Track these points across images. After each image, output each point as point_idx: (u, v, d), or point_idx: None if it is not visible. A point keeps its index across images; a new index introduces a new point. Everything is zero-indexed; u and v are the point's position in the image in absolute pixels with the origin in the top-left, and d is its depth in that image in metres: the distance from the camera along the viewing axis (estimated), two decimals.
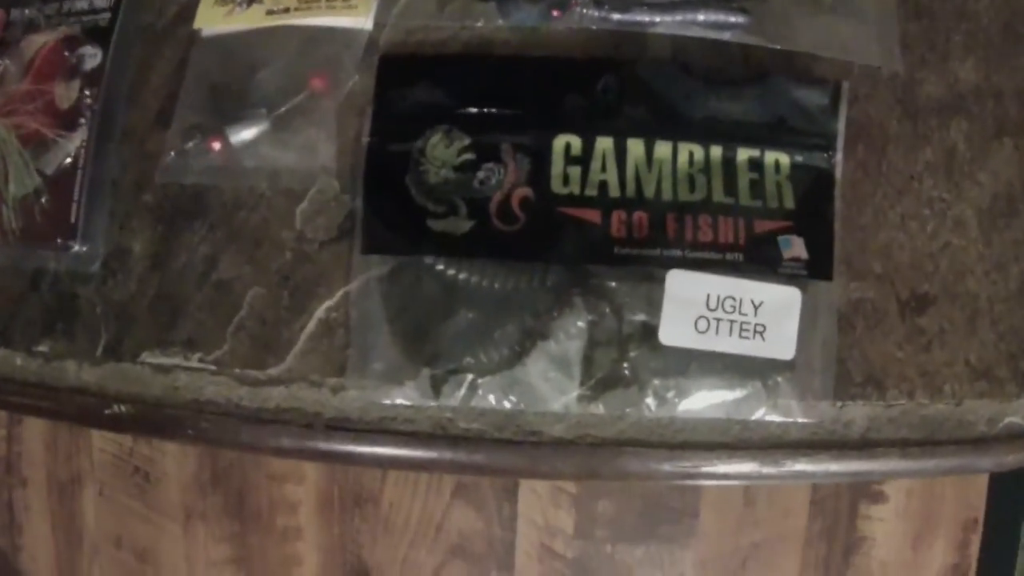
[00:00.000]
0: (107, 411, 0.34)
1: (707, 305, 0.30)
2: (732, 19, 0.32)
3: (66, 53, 0.39)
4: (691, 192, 0.31)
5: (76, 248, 0.35)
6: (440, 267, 0.30)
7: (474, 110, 0.31)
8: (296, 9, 0.34)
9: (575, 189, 0.30)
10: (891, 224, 0.33)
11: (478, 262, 0.30)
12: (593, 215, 0.30)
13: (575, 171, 0.31)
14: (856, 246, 0.33)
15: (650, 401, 0.30)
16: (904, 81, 0.35)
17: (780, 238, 0.31)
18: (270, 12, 0.35)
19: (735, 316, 0.30)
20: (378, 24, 0.33)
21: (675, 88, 0.31)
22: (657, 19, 0.32)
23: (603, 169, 0.31)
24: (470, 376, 0.30)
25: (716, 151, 0.31)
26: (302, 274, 0.33)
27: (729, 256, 0.30)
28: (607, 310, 0.29)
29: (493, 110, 0.31)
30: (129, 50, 0.37)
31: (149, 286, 0.34)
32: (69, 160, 0.37)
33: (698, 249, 0.30)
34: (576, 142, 0.31)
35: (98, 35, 0.38)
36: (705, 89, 0.31)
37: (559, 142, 0.31)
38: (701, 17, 0.32)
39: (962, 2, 0.37)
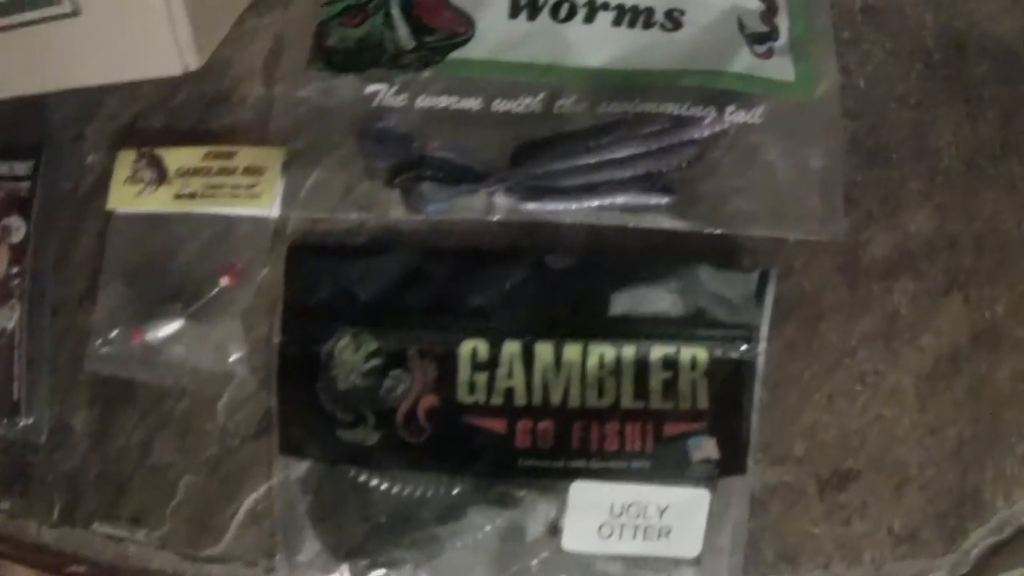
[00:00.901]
0: (67, 569, 0.37)
1: (611, 511, 0.30)
2: (654, 201, 0.30)
3: None
4: (599, 398, 0.30)
5: (22, 422, 0.37)
6: (351, 473, 0.31)
7: (380, 310, 0.31)
8: (202, 195, 0.33)
9: (481, 397, 0.30)
10: (817, 405, 0.32)
11: (388, 471, 0.31)
12: (499, 424, 0.30)
13: (482, 377, 0.30)
14: (776, 431, 0.32)
15: None
16: (847, 245, 0.32)
17: (690, 440, 0.30)
18: (178, 196, 0.34)
19: (639, 521, 0.30)
20: (283, 213, 0.33)
21: (587, 284, 0.30)
22: (572, 207, 0.30)
23: (510, 375, 0.30)
24: (385, 571, 0.32)
25: (629, 351, 0.30)
26: (228, 466, 0.34)
27: (636, 464, 0.29)
28: (513, 517, 0.30)
29: (400, 310, 0.31)
30: (52, 220, 0.37)
31: (92, 463, 0.36)
32: (3, 338, 0.38)
33: (604, 459, 0.29)
34: (483, 347, 0.30)
35: (20, 205, 0.37)
36: (620, 284, 0.29)
37: (466, 347, 0.30)
38: (621, 200, 0.29)
39: (922, 140, 0.34)
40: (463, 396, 0.30)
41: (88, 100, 0.37)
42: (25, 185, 0.38)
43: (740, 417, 0.30)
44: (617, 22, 0.32)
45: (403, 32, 0.32)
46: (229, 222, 0.33)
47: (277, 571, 0.33)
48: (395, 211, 0.31)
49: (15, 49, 0.33)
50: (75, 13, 0.31)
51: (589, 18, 0.32)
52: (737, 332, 0.30)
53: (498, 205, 0.30)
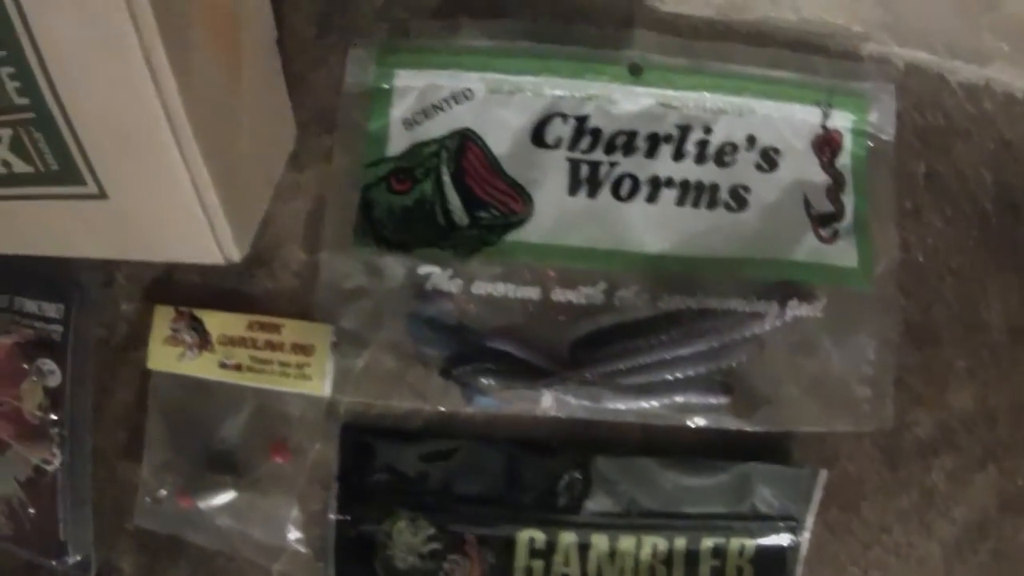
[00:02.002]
0: None
1: None
2: (714, 401, 0.30)
3: (24, 364, 0.37)
4: None
5: (70, 561, 0.37)
6: None
7: (436, 494, 0.31)
8: (248, 369, 0.32)
9: None
10: None
11: None
12: None
13: (538, 565, 0.31)
14: None
15: None
16: (892, 430, 0.32)
17: None
18: (223, 366, 0.33)
19: None
20: (336, 394, 0.32)
21: (641, 481, 0.30)
22: (630, 406, 0.29)
23: (566, 563, 0.31)
24: None
25: (680, 542, 0.31)
26: None
27: None
28: None
29: (456, 496, 0.31)
30: (86, 367, 0.36)
31: None
32: (46, 478, 0.38)
33: None
34: (540, 536, 0.31)
35: (53, 349, 0.36)
36: (673, 481, 0.30)
37: (523, 536, 0.31)
38: (680, 400, 0.29)
39: (972, 313, 0.34)
40: None
41: None
42: (57, 329, 0.36)
43: None
44: (680, 201, 0.30)
45: (456, 205, 0.30)
46: (278, 396, 0.32)
47: None
48: (449, 401, 0.31)
49: (42, 217, 0.30)
50: (102, 196, 0.28)
51: (652, 197, 0.30)
52: (784, 524, 0.31)
53: (554, 402, 0.30)
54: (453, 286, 0.30)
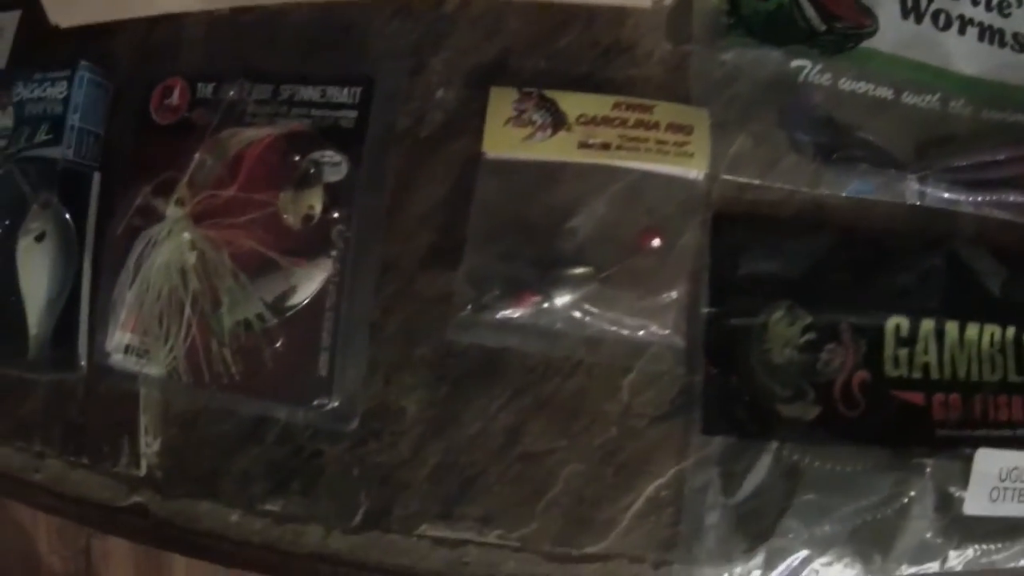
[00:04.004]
0: None
1: (999, 477, 0.33)
2: None
3: (294, 156, 0.31)
4: (992, 373, 0.32)
5: (329, 404, 0.30)
6: (784, 451, 0.30)
7: (810, 284, 0.31)
8: (618, 147, 0.30)
9: (904, 372, 0.31)
10: None
11: (823, 445, 0.30)
12: (917, 397, 0.31)
13: (903, 353, 0.31)
14: None
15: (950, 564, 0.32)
16: None
17: None
18: (584, 145, 0.31)
19: (1019, 484, 0.33)
20: (707, 176, 0.31)
21: (988, 271, 0.32)
22: (975, 198, 0.32)
23: (926, 351, 0.31)
24: (802, 554, 0.31)
25: (1011, 332, 0.33)
26: (629, 451, 0.30)
27: (1020, 432, 0.33)
28: (925, 488, 0.31)
29: (829, 286, 0.31)
30: (383, 161, 0.31)
31: (429, 453, 0.30)
32: (307, 297, 0.30)
33: (999, 428, 0.32)
34: (905, 323, 0.31)
35: (339, 138, 0.31)
36: (1010, 272, 0.32)
37: (891, 323, 0.31)
38: (1012, 198, 0.33)
39: None
40: (889, 370, 0.31)
41: (430, 29, 0.32)
42: (349, 115, 0.31)
43: None
44: (980, 38, 0.35)
45: (811, 13, 0.33)
46: (644, 181, 0.30)
47: (671, 563, 0.31)
48: (821, 187, 0.31)
49: None
50: None
51: (962, 30, 0.35)
52: None
53: (911, 191, 0.32)
54: (823, 80, 0.32)
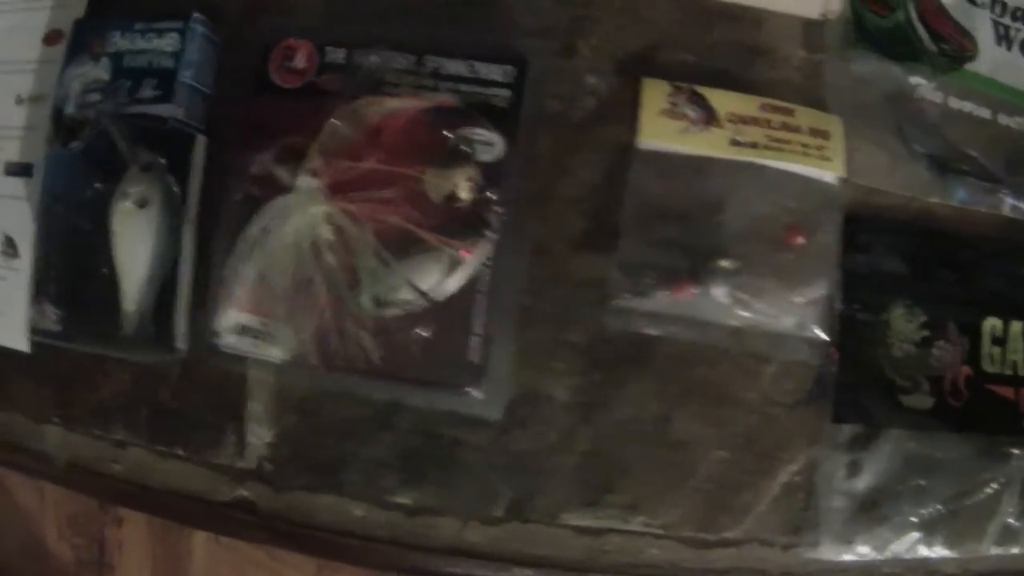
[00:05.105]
0: None
1: None
2: None
3: (443, 131, 0.30)
4: None
5: (476, 393, 0.29)
6: (904, 439, 0.32)
7: (925, 284, 0.33)
8: (765, 147, 0.31)
9: (997, 368, 0.34)
10: None
11: (931, 434, 0.32)
12: (1008, 392, 0.34)
13: (996, 351, 0.34)
14: None
15: None
16: None
17: None
18: (735, 143, 0.31)
19: None
20: (840, 179, 0.32)
21: None
22: None
23: (1014, 351, 0.35)
24: (912, 536, 0.33)
25: None
26: (767, 438, 0.32)
27: None
28: (1012, 475, 0.34)
29: (940, 288, 0.33)
30: (535, 144, 0.31)
31: (578, 441, 0.30)
32: (462, 280, 0.29)
33: None
34: (998, 324, 0.34)
35: (492, 116, 0.30)
36: None
37: (987, 324, 0.34)
38: None
39: None
40: (987, 366, 0.33)
41: (578, 13, 0.32)
42: (501, 94, 0.30)
43: None
44: None
45: (923, 34, 0.35)
46: (786, 179, 0.31)
47: (798, 545, 0.32)
48: (933, 195, 0.33)
49: None
50: None
51: None
52: None
53: (1006, 203, 0.34)
54: (936, 96, 0.34)
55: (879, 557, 0.33)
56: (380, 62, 0.31)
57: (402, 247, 0.29)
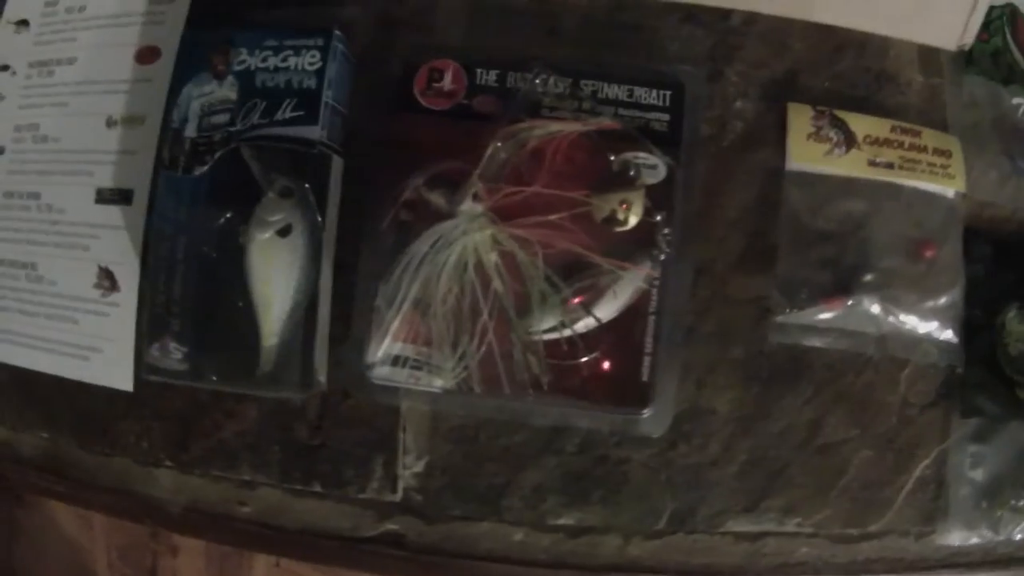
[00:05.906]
0: None
1: None
2: None
3: (608, 154, 0.31)
4: None
5: (644, 412, 0.30)
6: (1020, 430, 0.34)
7: None
8: (900, 167, 0.34)
9: None
10: None
11: None
12: None
13: None
14: None
15: None
16: None
17: None
18: (872, 164, 0.33)
19: None
20: (960, 195, 0.34)
21: None
22: None
23: None
24: None
25: None
26: (905, 436, 0.34)
27: None
28: None
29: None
30: (696, 166, 0.32)
31: (738, 451, 0.32)
32: (626, 302, 0.30)
33: None
34: None
35: (653, 140, 0.31)
36: None
37: None
38: None
39: None
40: None
41: (722, 39, 0.33)
42: (661, 117, 0.32)
43: None
44: None
45: (1019, 57, 0.38)
46: (916, 196, 0.34)
47: (931, 534, 0.34)
48: None
49: None
50: None
51: None
52: None
53: None
54: None
55: (998, 538, 0.36)
56: (539, 85, 0.31)
57: (571, 271, 0.30)
